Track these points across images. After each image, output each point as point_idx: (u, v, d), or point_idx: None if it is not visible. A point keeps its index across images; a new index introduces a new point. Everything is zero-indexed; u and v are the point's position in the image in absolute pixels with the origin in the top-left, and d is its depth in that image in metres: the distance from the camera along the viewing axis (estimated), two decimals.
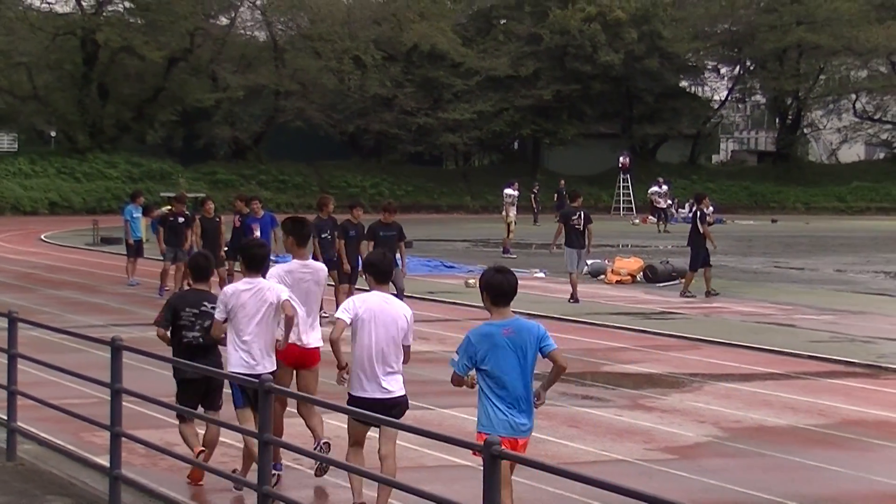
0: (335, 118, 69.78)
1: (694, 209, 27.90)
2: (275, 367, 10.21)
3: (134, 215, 28.41)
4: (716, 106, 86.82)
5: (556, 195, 62.33)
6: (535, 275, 31.03)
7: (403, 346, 9.46)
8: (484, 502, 6.29)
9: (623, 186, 70.49)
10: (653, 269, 29.57)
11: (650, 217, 58.76)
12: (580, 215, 24.80)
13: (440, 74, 69.94)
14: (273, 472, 9.14)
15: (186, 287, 11.79)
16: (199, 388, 10.36)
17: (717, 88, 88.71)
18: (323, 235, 21.62)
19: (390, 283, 9.60)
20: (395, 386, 9.36)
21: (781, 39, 74.43)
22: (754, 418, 13.51)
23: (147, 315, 22.37)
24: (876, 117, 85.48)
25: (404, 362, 9.46)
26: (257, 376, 8.99)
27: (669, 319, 22.33)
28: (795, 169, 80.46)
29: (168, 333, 10.56)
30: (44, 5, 66.26)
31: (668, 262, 30.47)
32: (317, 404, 9.05)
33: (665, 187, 57.83)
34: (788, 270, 34.50)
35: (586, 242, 24.81)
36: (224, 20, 71.34)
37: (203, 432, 10.56)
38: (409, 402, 9.54)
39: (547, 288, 28.08)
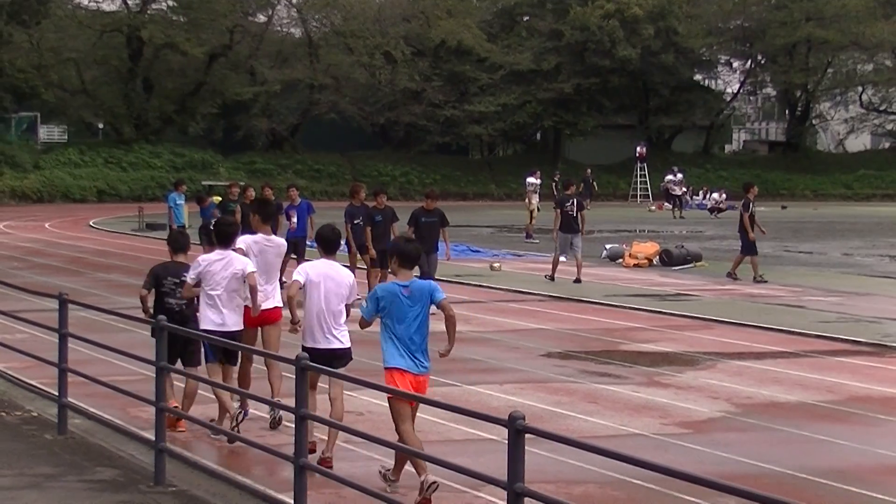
0: (367, 110, 69.80)
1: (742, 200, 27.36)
2: (241, 327, 11.20)
3: (177, 202, 28.50)
4: (728, 98, 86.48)
5: (581, 183, 62.22)
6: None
7: (346, 305, 10.57)
8: (509, 475, 6.28)
9: (640, 175, 70.32)
10: (668, 253, 29.47)
11: (665, 204, 58.59)
12: (573, 202, 25.15)
13: (466, 69, 69.86)
14: (240, 413, 10.79)
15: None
16: (176, 348, 10.84)
17: (729, 81, 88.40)
18: (355, 222, 21.63)
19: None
20: (341, 339, 10.44)
21: (791, 35, 74.08)
22: (765, 395, 13.45)
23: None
24: (881, 109, 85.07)
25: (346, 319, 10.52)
26: (226, 333, 10.69)
27: (684, 301, 22.26)
28: (804, 158, 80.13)
29: (150, 296, 11.51)
30: (91, 4, 66.57)
31: (682, 247, 30.36)
32: (347, 380, 9.05)
33: (679, 175, 57.63)
34: (797, 254, 34.34)
35: (579, 227, 25.12)
36: (262, 18, 71.42)
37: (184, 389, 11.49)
38: (439, 379, 9.59)
39: (567, 271, 28.02)
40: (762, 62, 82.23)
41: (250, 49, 67.96)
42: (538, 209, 39.61)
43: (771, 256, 33.42)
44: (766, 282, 25.21)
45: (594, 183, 62.60)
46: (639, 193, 69.99)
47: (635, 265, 29.09)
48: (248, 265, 11.24)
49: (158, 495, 9.10)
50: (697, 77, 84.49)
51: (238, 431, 10.31)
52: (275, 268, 11.97)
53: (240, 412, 10.83)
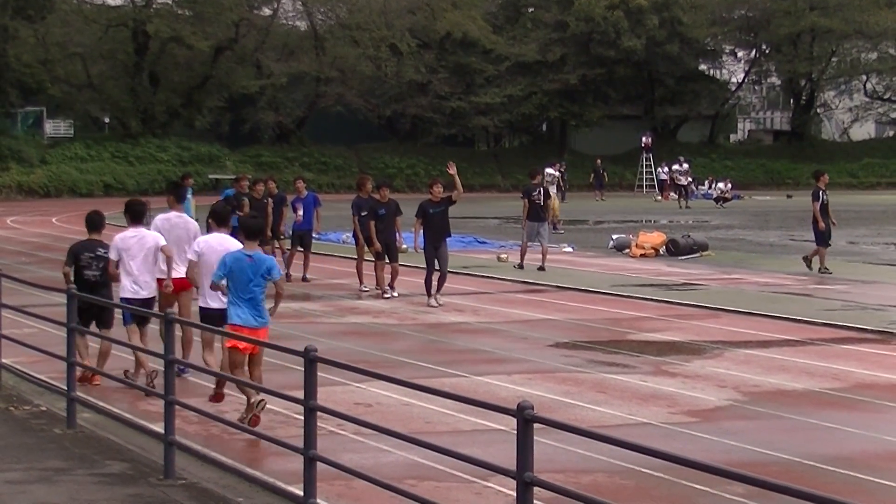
0: (373, 103, 69.75)
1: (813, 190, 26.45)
2: (155, 294, 13.12)
3: (185, 196, 28.39)
4: (733, 88, 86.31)
5: (592, 173, 62.23)
6: (564, 249, 30.98)
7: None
8: (518, 464, 6.28)
9: (646, 165, 70.26)
10: (675, 242, 29.44)
11: (671, 194, 58.57)
12: (539, 191, 25.58)
13: (472, 61, 69.75)
14: (179, 373, 12.26)
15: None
16: (92, 313, 12.84)
17: (734, 71, 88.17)
18: (363, 214, 21.62)
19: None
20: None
21: (795, 24, 73.91)
22: (772, 383, 13.45)
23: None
24: (885, 97, 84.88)
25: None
26: (142, 300, 12.72)
27: (691, 290, 22.25)
28: (809, 147, 79.98)
29: (71, 271, 13.03)
30: None
31: (689, 236, 30.34)
32: (357, 372, 9.05)
33: (686, 165, 57.58)
34: (803, 243, 34.27)
35: (545, 216, 25.76)
36: (267, 11, 71.28)
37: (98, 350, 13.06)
38: (447, 370, 9.57)
39: (574, 262, 28.03)
40: (766, 52, 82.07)
41: (256, 42, 67.90)
42: (563, 200, 39.40)
43: (777, 245, 33.40)
44: (830, 273, 24.67)
45: (604, 173, 62.56)
46: (645, 184, 69.91)
47: (642, 255, 29.08)
48: (160, 239, 13.17)
49: (168, 488, 9.11)
50: (702, 67, 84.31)
51: (153, 387, 11.73)
52: (184, 242, 13.43)
53: (154, 371, 12.20)
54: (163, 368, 10.10)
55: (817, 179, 26.37)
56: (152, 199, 46.05)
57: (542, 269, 24.90)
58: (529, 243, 25.71)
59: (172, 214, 13.90)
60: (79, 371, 11.98)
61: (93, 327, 12.90)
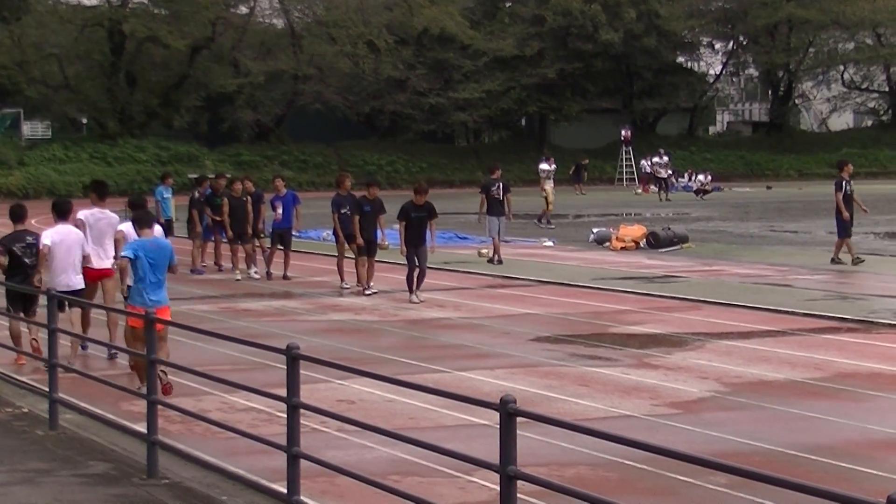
0: (351, 100, 69.67)
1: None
2: (83, 286, 14.30)
3: (164, 196, 28.40)
4: (711, 80, 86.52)
5: (573, 167, 62.21)
6: (545, 244, 31.03)
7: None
8: (501, 458, 6.30)
9: (626, 158, 70.39)
10: (655, 235, 29.51)
11: (651, 187, 58.70)
12: (499, 186, 25.91)
13: (450, 56, 69.73)
14: (80, 350, 14.52)
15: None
16: (22, 300, 14.37)
17: (712, 63, 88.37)
18: (342, 211, 21.64)
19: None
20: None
21: (772, 15, 74.08)
22: (754, 373, 13.50)
23: (178, 290, 22.41)
24: (863, 87, 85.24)
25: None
26: (74, 291, 13.94)
27: (672, 282, 22.31)
28: (788, 138, 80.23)
29: (5, 261, 14.37)
30: None
31: (669, 229, 30.41)
32: (339, 369, 9.05)
33: (665, 158, 57.73)
34: (783, 234, 34.43)
35: (506, 210, 25.87)
36: (244, 9, 71.10)
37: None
38: (430, 366, 9.56)
39: (555, 256, 28.08)
40: (744, 43, 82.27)
41: (233, 41, 67.74)
42: (554, 194, 39.39)
43: (757, 236, 33.51)
44: (862, 261, 24.53)
45: (585, 172, 62.37)
46: (625, 177, 70.05)
47: (622, 248, 29.14)
48: (81, 235, 14.51)
49: (152, 488, 9.10)
50: (680, 60, 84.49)
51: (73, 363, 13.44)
52: (107, 235, 14.73)
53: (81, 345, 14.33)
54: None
55: (840, 169, 25.88)
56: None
57: (499, 262, 25.51)
58: (493, 237, 25.97)
59: (96, 210, 15.05)
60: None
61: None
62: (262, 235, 24.84)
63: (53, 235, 14.23)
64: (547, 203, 38.38)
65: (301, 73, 67.68)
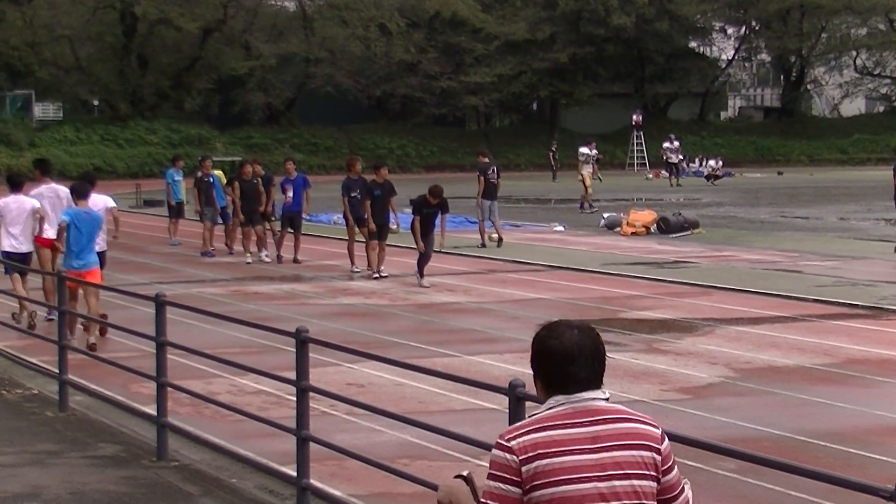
0: (363, 83, 69.60)
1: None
2: (32, 249, 15.71)
3: (175, 178, 28.41)
4: (723, 65, 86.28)
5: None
6: (555, 228, 31.00)
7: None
8: None
9: (637, 143, 70.24)
10: (665, 220, 29.46)
11: (662, 172, 58.56)
12: (493, 170, 26.51)
13: (461, 40, 69.61)
14: (49, 317, 15.39)
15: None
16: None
17: (724, 48, 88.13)
18: (353, 195, 21.62)
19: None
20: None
21: (785, 0, 73.82)
22: (763, 359, 13.48)
23: (189, 273, 22.48)
24: (875, 72, 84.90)
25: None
26: (21, 254, 15.52)
27: (682, 268, 22.28)
28: (799, 123, 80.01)
29: None
30: None
31: (680, 214, 30.35)
32: (351, 353, 9.05)
33: (676, 143, 57.59)
34: (794, 220, 34.35)
35: (497, 194, 26.56)
36: None
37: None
38: (440, 350, 9.57)
39: (566, 240, 28.06)
40: (756, 28, 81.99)
41: (245, 23, 67.68)
42: (599, 178, 39.02)
43: (768, 222, 33.44)
44: None
45: (598, 158, 62.03)
46: (636, 162, 69.91)
47: (633, 233, 29.09)
48: (35, 203, 15.74)
49: (161, 470, 9.13)
50: (692, 44, 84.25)
51: (33, 327, 14.82)
52: (57, 209, 15.56)
53: (34, 312, 15.22)
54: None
55: None
56: (143, 182, 46.24)
57: (500, 244, 25.78)
58: (482, 220, 26.38)
59: (44, 188, 16.36)
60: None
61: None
62: (272, 218, 24.85)
63: (2, 206, 15.65)
64: (586, 188, 37.87)
65: (312, 56, 67.62)
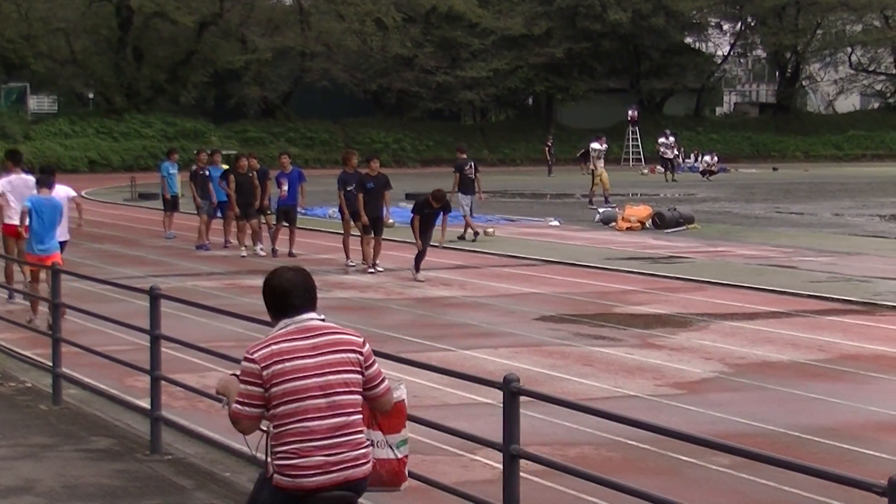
0: (359, 77, 69.54)
1: None
2: None
3: (170, 171, 28.38)
4: (719, 61, 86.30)
5: (581, 149, 61.95)
6: (550, 223, 30.99)
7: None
8: (504, 437, 6.29)
9: (632, 138, 70.24)
10: (661, 215, 29.46)
11: (657, 167, 58.55)
12: (471, 165, 27.18)
13: (458, 34, 69.58)
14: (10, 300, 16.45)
15: None
16: None
17: (719, 44, 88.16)
18: (349, 188, 21.60)
19: None
20: None
21: None
22: (758, 354, 13.48)
23: (184, 266, 22.45)
24: (870, 69, 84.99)
25: None
26: None
27: (677, 263, 22.28)
28: (795, 119, 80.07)
29: None
30: None
31: (675, 210, 30.35)
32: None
33: (672, 138, 57.58)
34: (789, 215, 34.37)
35: (477, 188, 27.09)
36: None
37: None
38: (434, 344, 9.57)
39: (562, 235, 28.05)
40: (752, 24, 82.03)
41: (241, 17, 67.59)
42: (605, 174, 38.91)
43: (763, 218, 33.46)
44: None
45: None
46: (631, 157, 69.92)
47: (628, 228, 29.09)
48: (3, 187, 16.89)
49: (155, 463, 9.11)
50: (688, 40, 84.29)
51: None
52: (24, 196, 16.01)
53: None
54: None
55: None
56: (138, 175, 46.16)
57: (476, 237, 26.15)
58: (465, 214, 26.62)
59: (13, 176, 17.26)
60: None
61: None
62: (267, 212, 24.82)
63: None
64: (602, 182, 37.55)
65: (308, 50, 67.57)
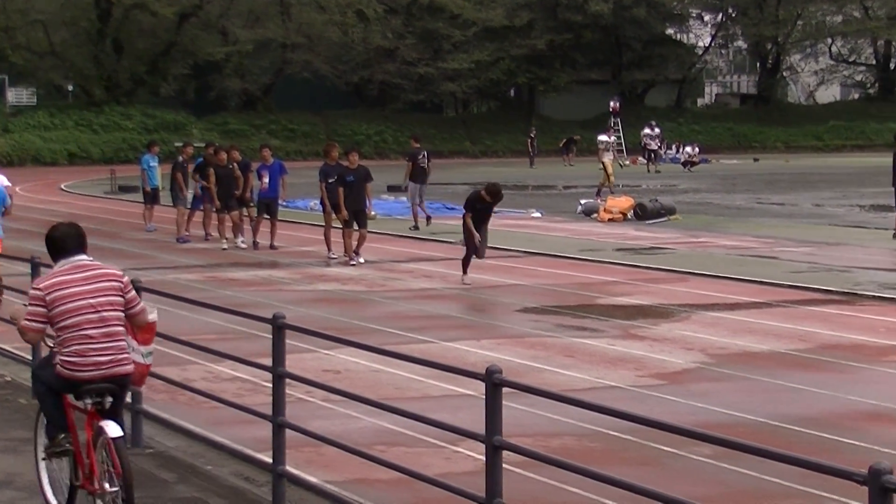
0: (340, 69, 69.45)
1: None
2: None
3: (150, 164, 28.29)
4: (700, 52, 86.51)
5: (564, 140, 62.12)
6: (532, 215, 31.01)
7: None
8: (487, 428, 6.29)
9: (614, 130, 70.25)
10: (642, 206, 29.51)
11: (640, 158, 58.65)
12: (424, 155, 27.43)
13: (439, 26, 69.54)
14: None
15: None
16: None
17: (701, 35, 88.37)
18: (330, 181, 21.57)
19: None
20: None
21: None
22: (739, 345, 13.52)
23: (165, 259, 22.40)
24: (850, 60, 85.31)
25: None
26: None
27: (658, 254, 22.32)
28: (775, 110, 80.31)
29: None
30: None
31: (656, 201, 30.42)
32: (328, 339, 9.03)
33: (657, 130, 57.68)
34: (770, 206, 34.46)
35: (427, 178, 27.27)
36: None
37: None
38: (416, 336, 9.56)
39: (544, 227, 28.07)
40: (733, 15, 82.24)
41: (221, 8, 67.43)
42: (622, 165, 38.89)
43: (744, 208, 33.54)
44: None
45: (575, 146, 62.24)
46: (613, 148, 69.92)
47: (610, 220, 29.14)
48: None
49: (136, 457, 9.07)
50: (669, 31, 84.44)
51: None
52: None
53: None
54: None
55: None
56: (118, 168, 46.03)
57: (429, 222, 26.56)
58: (414, 202, 26.97)
59: None
60: None
61: None
62: (249, 204, 24.78)
63: None
64: (607, 175, 37.63)
65: (290, 42, 67.43)
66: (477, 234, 18.33)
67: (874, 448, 9.16)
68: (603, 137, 39.75)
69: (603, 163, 37.93)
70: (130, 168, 44.71)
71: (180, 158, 26.78)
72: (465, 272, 18.77)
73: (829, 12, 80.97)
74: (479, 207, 18.68)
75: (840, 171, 51.22)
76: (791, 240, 24.36)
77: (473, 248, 18.69)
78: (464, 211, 18.97)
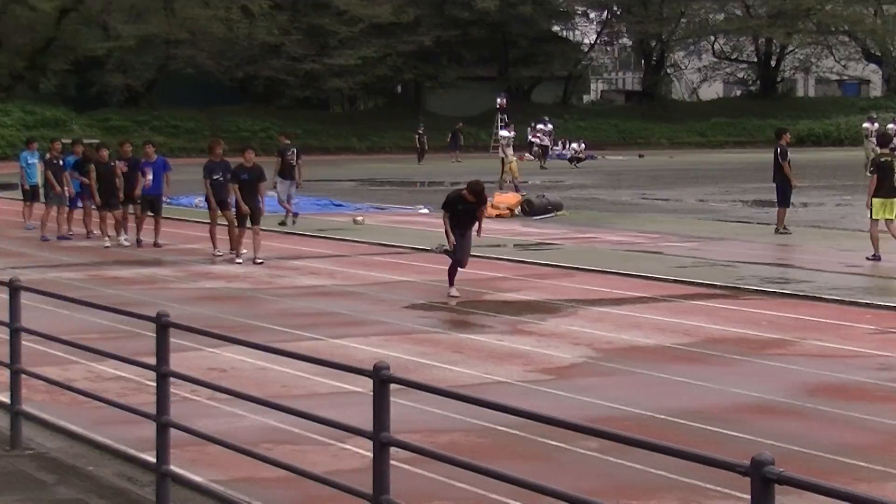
0: (225, 65, 68.73)
1: (775, 146, 24.91)
2: None
3: (29, 161, 27.76)
4: (586, 49, 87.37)
5: (450, 135, 62.34)
6: (420, 211, 31.02)
7: None
8: (374, 425, 6.26)
9: (500, 126, 70.64)
10: (530, 202, 29.71)
11: (526, 154, 59.02)
12: (293, 152, 27.31)
13: (326, 22, 69.21)
14: None
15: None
16: None
17: (586, 32, 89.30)
18: (214, 177, 21.41)
19: None
20: None
21: None
22: (625, 339, 13.67)
23: (45, 257, 21.95)
24: (733, 57, 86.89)
25: None
26: None
27: (546, 250, 22.48)
28: (660, 107, 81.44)
29: None
30: None
31: (544, 196, 30.64)
32: (213, 337, 8.91)
33: (550, 126, 58.09)
34: (655, 201, 34.93)
35: (297, 175, 27.07)
36: None
37: None
38: (303, 334, 9.50)
39: (431, 223, 28.07)
40: (618, 13, 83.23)
41: (103, 4, 66.24)
42: (516, 160, 39.35)
43: (630, 204, 33.95)
44: (789, 234, 24.11)
45: (461, 136, 62.68)
46: (501, 144, 70.33)
47: (497, 215, 29.23)
48: None
49: (15, 459, 8.89)
50: (556, 28, 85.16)
51: None
52: None
53: None
54: None
55: (780, 137, 25.10)
56: None
57: (294, 219, 26.66)
58: (283, 199, 26.89)
59: None
60: None
61: None
62: (137, 201, 24.39)
63: None
64: (511, 170, 38.04)
65: (173, 38, 66.52)
66: (452, 236, 16.91)
67: (757, 440, 9.33)
68: (504, 133, 40.18)
69: (506, 156, 38.41)
70: (9, 165, 43.74)
71: (48, 156, 26.20)
72: (451, 283, 17.03)
73: (712, 10, 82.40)
74: (462, 209, 17.17)
75: (723, 166, 52.14)
76: (676, 235, 24.71)
77: (459, 253, 17.02)
78: (442, 211, 17.48)
